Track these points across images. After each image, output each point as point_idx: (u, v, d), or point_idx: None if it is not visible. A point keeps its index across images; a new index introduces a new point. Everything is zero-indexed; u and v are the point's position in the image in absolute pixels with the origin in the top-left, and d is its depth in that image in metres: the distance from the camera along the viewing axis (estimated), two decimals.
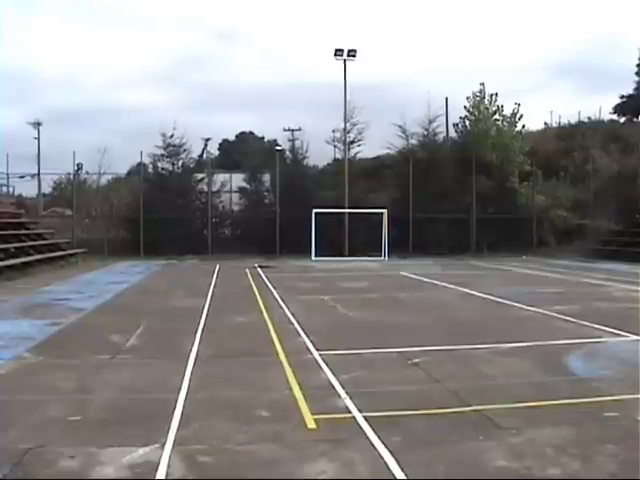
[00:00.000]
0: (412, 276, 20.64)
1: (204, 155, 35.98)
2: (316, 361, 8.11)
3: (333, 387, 6.84)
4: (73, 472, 4.62)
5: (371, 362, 8.06)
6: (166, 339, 9.84)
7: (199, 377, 7.30)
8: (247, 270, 22.56)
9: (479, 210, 32.89)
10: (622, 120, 46.71)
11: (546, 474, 4.58)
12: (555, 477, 4.55)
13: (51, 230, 29.34)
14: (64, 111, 64.83)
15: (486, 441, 5.20)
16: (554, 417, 5.85)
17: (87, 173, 35.03)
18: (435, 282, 18.36)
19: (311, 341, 9.33)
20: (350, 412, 5.95)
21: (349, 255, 30.47)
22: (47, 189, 39.50)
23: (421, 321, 11.55)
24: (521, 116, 34.45)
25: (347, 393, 6.53)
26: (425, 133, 34.93)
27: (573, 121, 43.05)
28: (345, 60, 32.27)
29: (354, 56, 32.24)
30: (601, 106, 49.31)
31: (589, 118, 43.11)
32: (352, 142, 34.15)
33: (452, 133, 36.15)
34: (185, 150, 33.74)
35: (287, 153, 36.27)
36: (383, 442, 5.11)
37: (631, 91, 46.65)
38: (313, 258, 28.47)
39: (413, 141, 35.03)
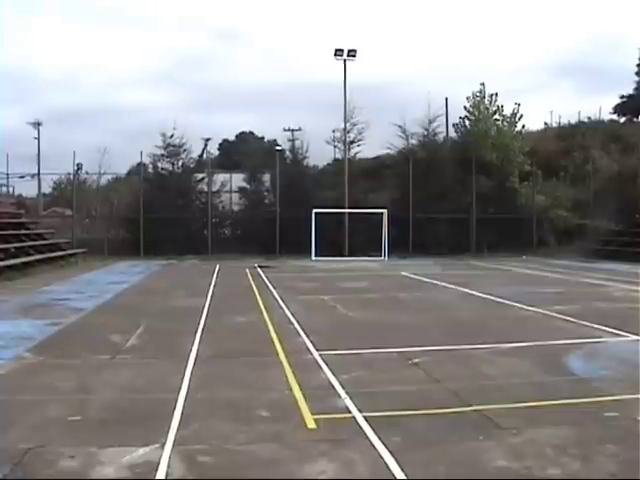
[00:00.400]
0: (412, 276, 20.64)
1: (204, 155, 36.03)
2: (316, 361, 8.11)
3: (333, 387, 6.84)
4: (73, 472, 4.63)
5: (371, 362, 8.06)
6: (166, 339, 9.84)
7: (199, 377, 7.30)
8: (247, 270, 22.56)
9: (479, 210, 32.88)
10: (622, 120, 46.75)
11: (546, 474, 4.58)
12: (555, 477, 4.54)
13: (51, 230, 29.33)
14: (64, 111, 64.91)
15: (486, 441, 5.20)
16: (554, 417, 5.85)
17: (87, 173, 35.13)
18: (435, 282, 18.36)
19: (311, 341, 9.33)
20: (350, 412, 5.95)
21: (349, 255, 30.47)
22: (47, 189, 39.66)
23: (421, 321, 11.55)
24: (521, 116, 34.51)
25: (347, 393, 6.53)
26: (425, 133, 35.00)
27: (573, 121, 43.20)
28: (345, 60, 32.29)
29: (354, 56, 32.25)
30: (601, 106, 49.42)
31: (589, 118, 43.21)
32: (352, 142, 34.18)
33: (452, 133, 36.24)
34: (185, 150, 33.82)
35: (287, 153, 36.29)
36: (383, 442, 5.10)
37: (631, 91, 46.77)
38: (313, 258, 28.47)
39: (413, 141, 35.12)
